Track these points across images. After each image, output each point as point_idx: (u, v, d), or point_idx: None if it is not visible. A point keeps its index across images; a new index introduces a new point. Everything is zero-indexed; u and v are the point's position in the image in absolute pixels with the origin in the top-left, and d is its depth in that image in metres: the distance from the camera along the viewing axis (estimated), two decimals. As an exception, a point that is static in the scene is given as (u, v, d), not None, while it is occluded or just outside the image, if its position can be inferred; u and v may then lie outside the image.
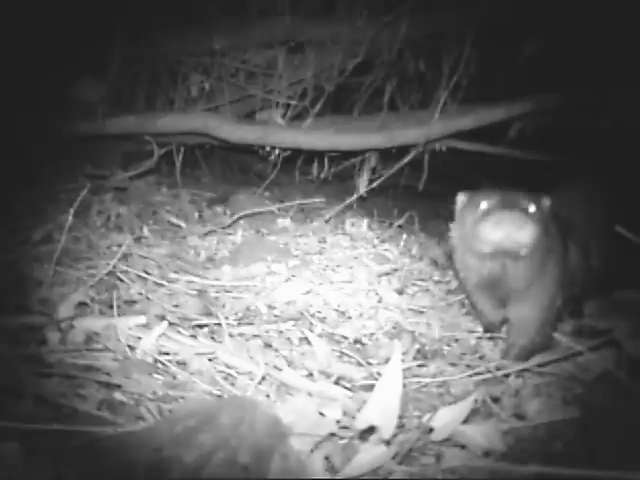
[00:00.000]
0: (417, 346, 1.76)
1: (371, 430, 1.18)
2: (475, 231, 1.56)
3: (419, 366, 1.66)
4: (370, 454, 1.15)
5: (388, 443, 1.17)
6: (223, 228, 2.50)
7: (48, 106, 2.40)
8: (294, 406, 1.28)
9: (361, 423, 1.18)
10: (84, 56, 2.42)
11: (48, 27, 2.24)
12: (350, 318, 1.89)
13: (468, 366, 1.66)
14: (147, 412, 1.27)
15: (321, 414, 1.28)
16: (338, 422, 1.25)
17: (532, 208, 1.56)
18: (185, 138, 2.85)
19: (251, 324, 1.77)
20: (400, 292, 2.07)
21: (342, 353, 1.67)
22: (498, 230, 1.50)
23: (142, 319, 1.58)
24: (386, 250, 2.41)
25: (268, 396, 1.40)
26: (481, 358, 1.74)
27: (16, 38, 2.15)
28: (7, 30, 2.10)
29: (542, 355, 1.66)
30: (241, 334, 1.69)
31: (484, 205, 1.58)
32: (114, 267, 1.83)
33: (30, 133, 2.30)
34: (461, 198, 1.71)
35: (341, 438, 1.22)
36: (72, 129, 2.56)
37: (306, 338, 1.69)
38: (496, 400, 1.46)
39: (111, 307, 1.64)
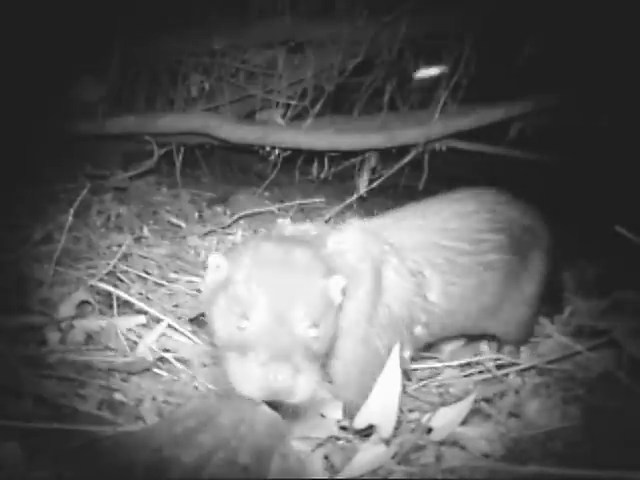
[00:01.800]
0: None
1: (370, 429, 1.18)
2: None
3: (418, 367, 1.66)
4: (370, 454, 1.16)
5: (388, 443, 1.17)
6: (223, 228, 2.50)
7: (48, 106, 2.40)
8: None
9: (360, 422, 1.18)
10: (84, 56, 2.42)
11: (48, 27, 2.24)
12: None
13: (468, 365, 1.66)
14: (147, 412, 1.27)
15: (322, 415, 1.28)
16: (338, 422, 1.26)
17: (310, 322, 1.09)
18: (185, 138, 2.85)
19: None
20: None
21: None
22: (256, 391, 1.04)
23: (142, 319, 1.58)
24: (386, 250, 2.40)
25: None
26: (480, 358, 1.74)
27: (17, 38, 2.15)
28: (8, 30, 2.10)
29: (541, 355, 1.66)
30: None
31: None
32: (114, 267, 1.83)
33: (30, 133, 2.30)
34: (216, 262, 1.17)
35: (341, 439, 1.23)
36: (72, 129, 2.56)
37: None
38: (495, 400, 1.46)
39: (111, 307, 1.64)
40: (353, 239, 1.35)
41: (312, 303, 1.11)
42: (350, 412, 1.25)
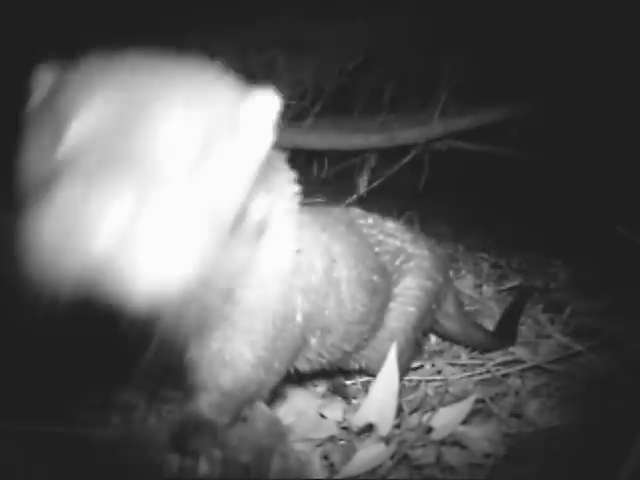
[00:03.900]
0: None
1: (369, 428, 1.18)
2: None
3: (418, 366, 1.66)
4: (369, 453, 1.16)
5: (387, 442, 1.17)
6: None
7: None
8: (294, 407, 1.28)
9: (359, 421, 1.18)
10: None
11: (49, 27, 2.24)
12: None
13: (467, 365, 1.66)
14: (147, 413, 1.27)
15: (322, 415, 1.28)
16: (339, 423, 1.26)
17: None
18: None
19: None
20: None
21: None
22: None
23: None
24: (386, 250, 2.40)
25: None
26: (480, 358, 1.74)
27: (17, 38, 2.15)
28: (8, 30, 2.10)
29: (541, 355, 1.66)
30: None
31: None
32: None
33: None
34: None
35: (341, 439, 1.22)
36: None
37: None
38: (496, 400, 1.46)
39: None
40: None
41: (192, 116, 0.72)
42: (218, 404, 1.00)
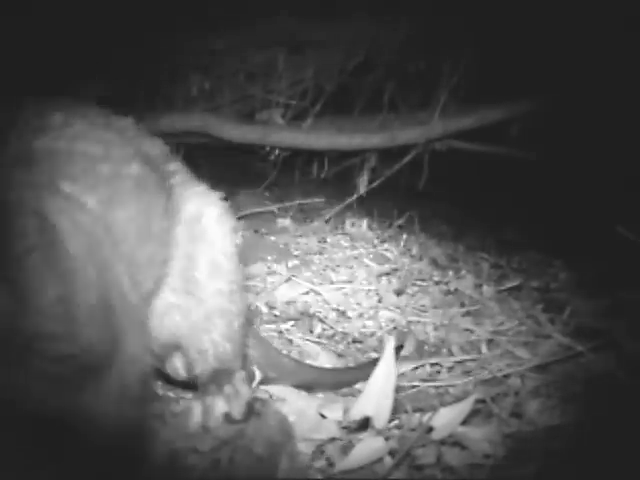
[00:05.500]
0: (415, 344, 1.76)
1: (365, 422, 1.18)
2: None
3: (418, 367, 1.66)
4: (368, 447, 1.16)
5: (387, 439, 1.17)
6: (223, 228, 2.49)
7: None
8: (294, 407, 1.28)
9: (355, 414, 1.19)
10: (84, 55, 2.42)
11: (49, 27, 2.24)
12: (350, 318, 1.89)
13: (467, 366, 1.66)
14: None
15: (322, 415, 1.29)
16: (339, 423, 1.26)
17: None
18: (185, 138, 2.85)
19: (251, 324, 1.77)
20: (400, 292, 2.07)
21: (342, 353, 1.68)
22: None
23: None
24: (386, 250, 2.41)
25: (271, 396, 1.40)
26: (480, 359, 1.74)
27: (16, 38, 2.15)
28: (8, 29, 2.10)
29: (541, 355, 1.66)
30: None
31: None
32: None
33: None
34: None
35: (341, 440, 1.23)
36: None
37: (307, 338, 1.70)
38: (496, 400, 1.46)
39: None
40: None
41: None
42: None
